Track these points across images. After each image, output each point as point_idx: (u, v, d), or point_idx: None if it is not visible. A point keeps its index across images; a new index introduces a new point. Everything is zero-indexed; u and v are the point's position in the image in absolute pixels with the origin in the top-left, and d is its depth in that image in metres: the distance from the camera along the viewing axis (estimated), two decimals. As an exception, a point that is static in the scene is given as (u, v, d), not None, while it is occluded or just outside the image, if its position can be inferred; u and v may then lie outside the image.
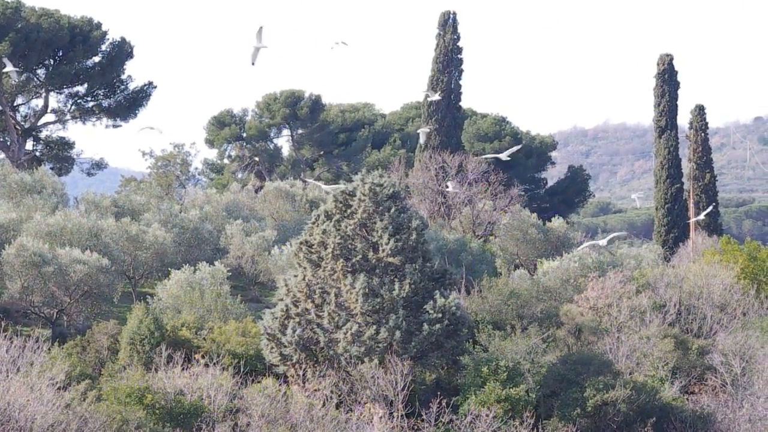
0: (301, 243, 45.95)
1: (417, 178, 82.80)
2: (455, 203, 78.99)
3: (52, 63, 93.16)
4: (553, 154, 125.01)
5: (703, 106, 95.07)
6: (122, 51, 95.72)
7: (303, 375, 43.12)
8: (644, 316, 50.61)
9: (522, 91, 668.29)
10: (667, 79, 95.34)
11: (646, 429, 43.04)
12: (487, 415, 40.13)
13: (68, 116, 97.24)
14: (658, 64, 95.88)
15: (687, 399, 46.54)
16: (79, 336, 48.41)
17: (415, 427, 40.63)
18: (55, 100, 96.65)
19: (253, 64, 51.07)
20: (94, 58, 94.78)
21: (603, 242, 58.27)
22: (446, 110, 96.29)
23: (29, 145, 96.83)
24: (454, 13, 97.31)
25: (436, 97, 68.39)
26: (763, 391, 44.98)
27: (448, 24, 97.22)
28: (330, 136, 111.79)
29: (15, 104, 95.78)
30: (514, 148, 58.95)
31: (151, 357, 43.37)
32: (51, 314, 53.06)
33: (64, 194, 71.69)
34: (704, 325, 53.26)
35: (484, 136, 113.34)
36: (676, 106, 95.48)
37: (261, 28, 50.74)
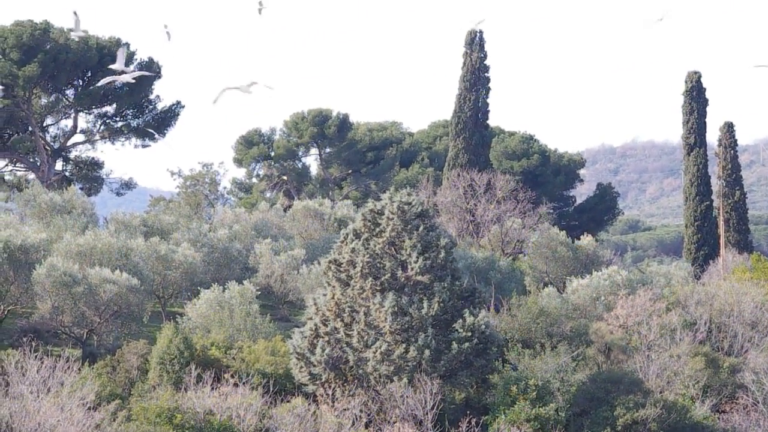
0: (329, 262, 45.98)
1: (445, 197, 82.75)
2: (484, 221, 78.90)
3: (80, 84, 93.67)
4: (582, 171, 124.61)
5: (731, 123, 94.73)
6: (150, 71, 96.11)
7: (332, 394, 43.06)
8: (674, 334, 50.36)
9: (550, 108, 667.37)
10: (696, 97, 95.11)
11: (677, 448, 42.85)
12: (517, 434, 40.07)
13: (97, 136, 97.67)
14: (686, 82, 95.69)
15: (718, 418, 46.29)
16: (109, 356, 48.52)
17: (445, 447, 40.57)
18: (84, 121, 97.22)
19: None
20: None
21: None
22: (474, 128, 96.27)
23: (59, 165, 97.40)
24: (481, 32, 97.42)
25: None
26: (795, 409, 44.69)
27: (475, 42, 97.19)
28: (358, 154, 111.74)
29: (44, 125, 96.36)
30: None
31: (181, 376, 43.45)
32: (81, 334, 53.23)
33: (94, 214, 72.04)
34: (735, 343, 52.96)
35: (512, 154, 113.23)
36: (705, 123, 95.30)
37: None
